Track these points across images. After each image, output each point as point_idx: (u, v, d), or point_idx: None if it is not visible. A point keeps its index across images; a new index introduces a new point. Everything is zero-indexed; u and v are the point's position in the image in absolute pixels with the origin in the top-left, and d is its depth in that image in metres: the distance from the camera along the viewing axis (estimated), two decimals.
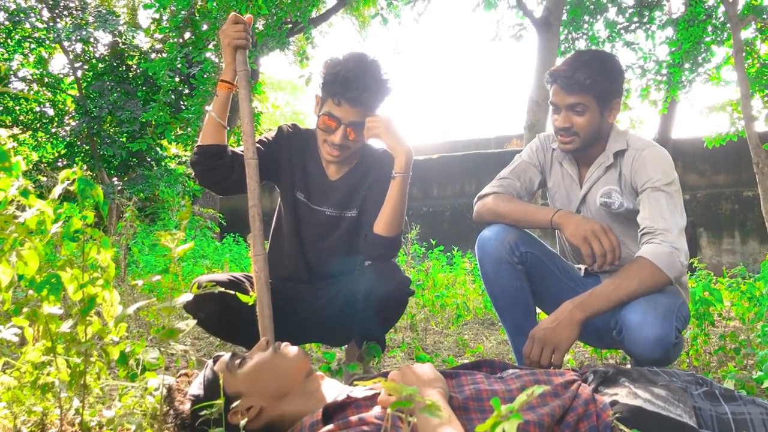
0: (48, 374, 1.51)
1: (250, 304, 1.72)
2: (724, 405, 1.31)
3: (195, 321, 1.39)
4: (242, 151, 2.01)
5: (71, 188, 1.59)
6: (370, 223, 2.17)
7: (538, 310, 2.27)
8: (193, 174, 2.20)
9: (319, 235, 2.29)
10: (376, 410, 1.26)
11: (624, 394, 1.31)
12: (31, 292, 1.46)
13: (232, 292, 1.67)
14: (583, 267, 2.28)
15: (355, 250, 2.31)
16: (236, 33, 2.00)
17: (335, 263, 2.32)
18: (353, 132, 2.08)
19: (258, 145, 2.20)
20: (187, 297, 1.32)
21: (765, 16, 8.07)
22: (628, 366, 2.09)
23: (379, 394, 1.32)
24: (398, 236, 2.15)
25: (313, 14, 12.48)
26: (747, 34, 8.60)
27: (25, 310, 1.45)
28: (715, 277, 5.58)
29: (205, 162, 2.10)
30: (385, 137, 2.05)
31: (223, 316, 1.99)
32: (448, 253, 6.31)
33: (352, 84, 2.02)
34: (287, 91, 25.73)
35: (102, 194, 1.57)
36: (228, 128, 2.14)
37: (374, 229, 2.12)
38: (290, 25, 11.41)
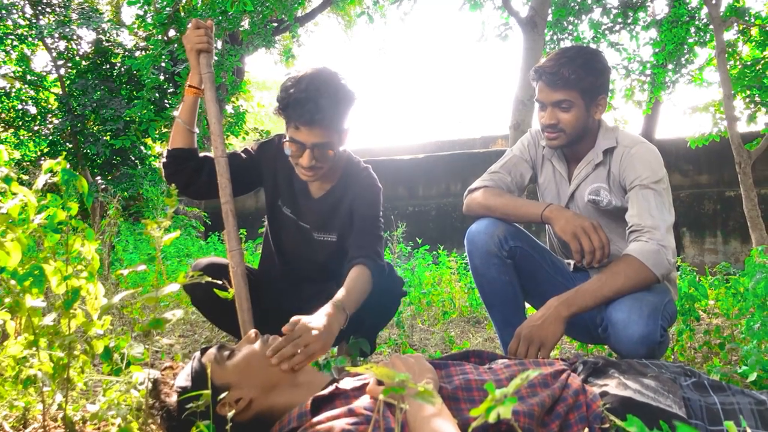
0: (31, 366, 1.49)
1: (229, 299, 1.70)
2: (713, 395, 1.31)
3: (180, 311, 1.37)
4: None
5: (56, 181, 1.57)
6: (355, 237, 2.14)
7: (527, 304, 2.28)
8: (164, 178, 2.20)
9: (303, 253, 2.28)
10: (365, 401, 1.24)
11: (614, 385, 1.31)
12: (13, 283, 1.43)
13: (219, 282, 1.66)
14: (572, 262, 2.29)
15: (340, 268, 2.29)
16: (198, 38, 2.04)
17: (324, 272, 2.30)
18: (320, 153, 1.99)
19: (241, 153, 2.23)
20: (173, 288, 1.30)
21: (747, 18, 8.16)
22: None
23: (367, 384, 1.31)
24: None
25: (299, 13, 12.47)
26: (729, 35, 8.70)
27: (7, 301, 1.42)
28: (698, 276, 5.63)
29: (172, 165, 2.11)
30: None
31: (219, 300, 1.96)
32: (434, 252, 6.32)
33: (305, 107, 1.90)
34: (273, 91, 25.64)
35: (86, 185, 1.54)
36: (197, 131, 2.13)
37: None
38: (276, 24, 11.38)
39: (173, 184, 2.14)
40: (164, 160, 2.14)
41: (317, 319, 1.66)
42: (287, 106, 1.95)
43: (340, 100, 1.96)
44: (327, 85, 1.94)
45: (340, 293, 1.90)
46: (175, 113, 2.12)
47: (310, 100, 1.90)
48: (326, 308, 1.79)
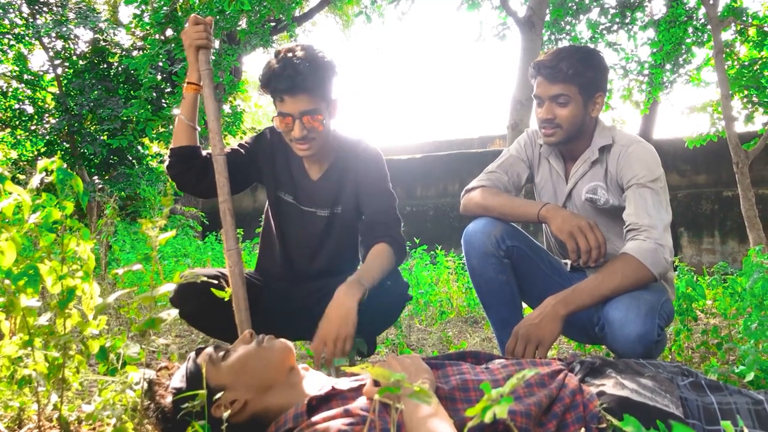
0: (26, 366, 1.48)
1: (226, 299, 1.70)
2: (710, 395, 1.31)
3: (178, 312, 1.36)
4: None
5: (51, 182, 1.56)
6: (367, 213, 2.16)
7: (524, 304, 2.27)
8: (169, 177, 2.20)
9: (308, 241, 2.26)
10: (362, 401, 1.24)
11: (611, 385, 1.31)
12: (7, 283, 1.42)
13: (215, 282, 1.65)
14: (569, 262, 2.28)
15: (349, 251, 2.28)
16: (197, 33, 2.04)
17: (326, 265, 2.29)
18: (310, 120, 2.00)
19: (238, 147, 2.23)
20: (169, 287, 1.30)
21: (744, 18, 8.17)
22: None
23: (364, 385, 1.30)
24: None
25: (297, 12, 12.46)
26: (727, 35, 8.72)
27: (1, 301, 1.41)
28: (696, 276, 5.63)
29: (178, 164, 2.10)
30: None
31: (207, 309, 1.97)
32: (432, 252, 6.31)
33: (284, 73, 1.94)
34: None
35: (81, 184, 1.54)
36: (198, 129, 2.13)
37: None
38: (273, 24, 11.37)
39: (180, 184, 2.13)
40: (169, 160, 2.12)
41: (329, 314, 1.84)
42: (269, 80, 1.98)
43: (318, 65, 1.98)
44: (304, 53, 1.98)
45: (359, 269, 1.96)
46: (175, 111, 2.12)
47: (287, 67, 1.94)
48: (341, 288, 1.87)
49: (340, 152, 2.23)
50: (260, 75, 2.04)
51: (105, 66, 12.72)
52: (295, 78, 1.93)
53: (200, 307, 1.98)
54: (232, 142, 12.81)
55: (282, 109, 2.00)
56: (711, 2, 6.70)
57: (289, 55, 1.97)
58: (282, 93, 1.97)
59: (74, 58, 12.67)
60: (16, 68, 12.89)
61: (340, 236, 2.24)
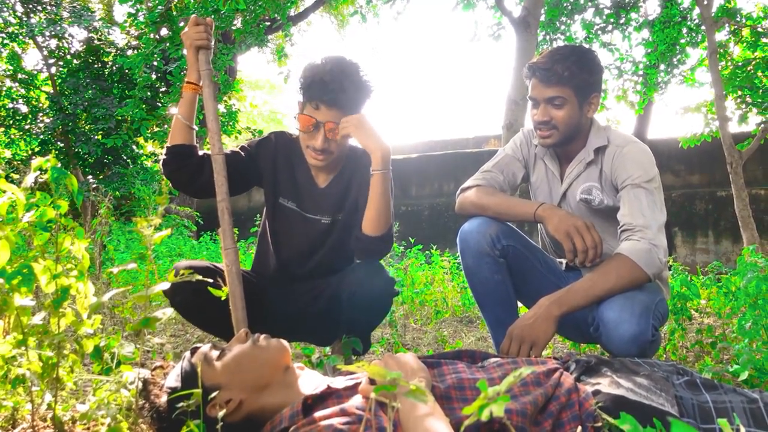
0: (20, 366, 1.47)
1: (222, 298, 1.69)
2: (705, 394, 1.31)
3: (171, 310, 1.35)
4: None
5: (45, 181, 1.55)
6: (359, 223, 2.15)
7: (519, 303, 2.27)
8: (164, 175, 2.20)
9: (310, 242, 2.26)
10: (357, 400, 1.24)
11: (606, 384, 1.31)
12: (1, 282, 1.41)
13: (210, 280, 1.64)
14: (564, 261, 2.28)
15: (347, 252, 2.28)
16: (197, 34, 2.05)
17: (322, 266, 2.28)
18: (334, 134, 2.05)
19: (239, 150, 2.24)
20: (163, 286, 1.29)
21: (738, 19, 8.20)
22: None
23: (360, 384, 1.30)
24: (387, 234, 2.10)
25: (292, 12, 12.45)
26: (721, 36, 8.74)
27: None
28: (690, 276, 5.64)
29: (173, 162, 2.10)
30: (357, 134, 2.01)
31: (200, 303, 1.96)
32: (427, 252, 6.32)
33: (328, 86, 2.00)
34: (265, 90, 25.55)
35: (76, 183, 1.53)
36: (195, 129, 2.13)
37: (363, 229, 2.09)
38: (268, 23, 11.35)
39: (174, 183, 2.13)
40: (164, 157, 2.12)
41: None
42: (311, 83, 2.03)
43: (361, 87, 2.05)
44: (351, 70, 2.04)
45: None
46: (173, 110, 2.12)
47: (335, 81, 2.00)
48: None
49: (348, 160, 2.24)
50: (303, 75, 2.07)
51: (99, 65, 12.66)
52: (339, 95, 2.00)
53: (192, 300, 1.99)
54: (228, 142, 12.79)
55: (312, 114, 2.05)
56: (705, 3, 6.73)
57: (338, 69, 2.02)
58: (320, 102, 2.02)
59: (68, 57, 12.61)
60: (10, 67, 12.81)
61: (338, 240, 2.24)
